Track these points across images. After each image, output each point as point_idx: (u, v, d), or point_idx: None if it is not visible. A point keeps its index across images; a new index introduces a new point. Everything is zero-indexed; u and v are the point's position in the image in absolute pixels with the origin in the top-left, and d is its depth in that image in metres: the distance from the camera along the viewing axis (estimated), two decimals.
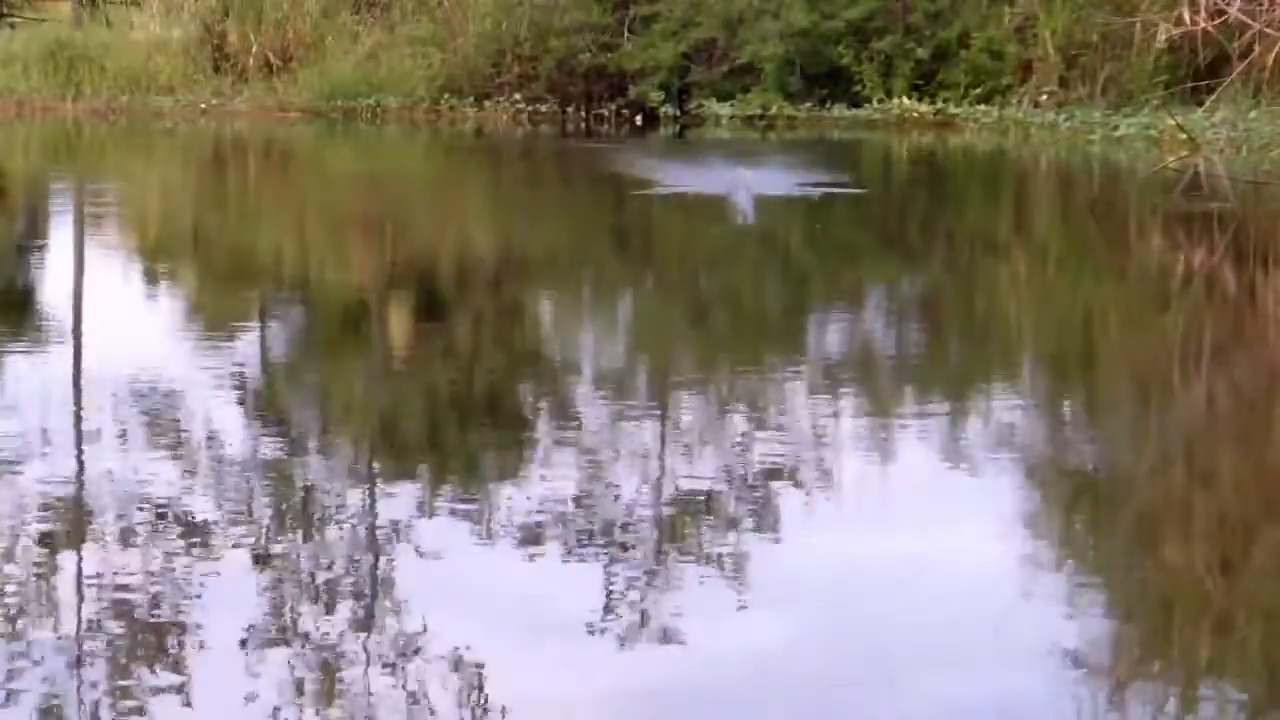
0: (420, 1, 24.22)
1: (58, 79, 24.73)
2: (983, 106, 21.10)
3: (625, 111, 22.85)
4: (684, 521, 5.01)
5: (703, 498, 5.24)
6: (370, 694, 3.74)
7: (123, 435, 6.04)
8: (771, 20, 22.14)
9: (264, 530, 4.89)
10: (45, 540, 4.77)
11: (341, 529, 4.90)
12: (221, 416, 6.33)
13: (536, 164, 19.63)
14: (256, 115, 23.71)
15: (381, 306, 9.42)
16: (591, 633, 4.11)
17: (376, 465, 5.74)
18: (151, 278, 10.90)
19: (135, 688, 3.75)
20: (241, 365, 7.62)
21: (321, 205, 15.15)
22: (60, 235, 13.20)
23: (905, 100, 21.47)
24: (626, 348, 8.41)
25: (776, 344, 8.15)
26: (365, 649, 3.99)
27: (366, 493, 5.31)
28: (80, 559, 4.61)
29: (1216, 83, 18.07)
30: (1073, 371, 7.69)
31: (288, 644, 4.00)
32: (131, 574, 4.47)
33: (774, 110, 22.02)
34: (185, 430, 6.14)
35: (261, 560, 4.61)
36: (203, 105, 24.08)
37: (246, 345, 8.27)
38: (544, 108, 23.02)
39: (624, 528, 4.93)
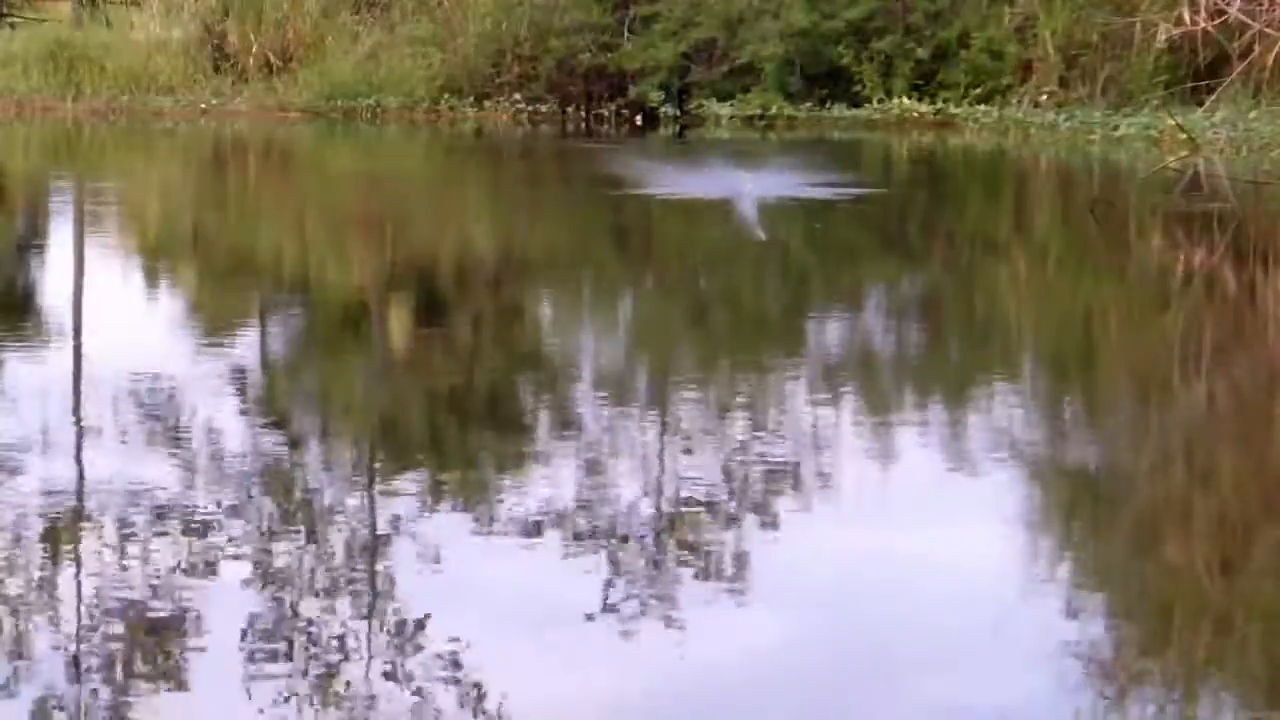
0: (420, 1, 24.21)
1: (58, 79, 24.72)
2: (983, 106, 21.10)
3: (625, 111, 22.84)
4: (684, 521, 5.01)
5: (703, 498, 5.24)
6: (370, 693, 3.74)
7: (122, 435, 6.04)
8: (771, 20, 22.14)
9: (264, 529, 4.88)
10: (45, 540, 4.77)
11: (341, 528, 4.90)
12: (221, 416, 6.32)
13: (534, 165, 19.63)
14: (256, 115, 23.71)
15: (381, 306, 9.42)
16: (591, 632, 4.11)
17: (376, 464, 5.73)
18: (151, 277, 10.90)
19: (135, 687, 3.75)
20: (241, 365, 7.62)
21: (321, 205, 15.15)
22: (60, 235, 13.20)
23: (905, 100, 21.47)
24: (626, 349, 8.40)
25: (778, 344, 8.14)
26: (365, 648, 3.98)
27: (366, 492, 5.31)
28: (79, 558, 4.61)
29: (1216, 83, 18.07)
30: (1073, 371, 7.69)
31: (288, 643, 4.00)
32: (131, 573, 4.47)
33: (774, 110, 22.02)
34: (184, 430, 6.14)
35: (261, 559, 4.60)
36: (203, 105, 24.08)
37: (246, 345, 8.27)
38: (544, 108, 23.02)
39: (624, 528, 4.93)
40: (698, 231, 12.30)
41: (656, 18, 22.64)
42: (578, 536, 4.84)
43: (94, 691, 3.72)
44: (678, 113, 22.62)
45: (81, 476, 5.50)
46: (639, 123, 22.62)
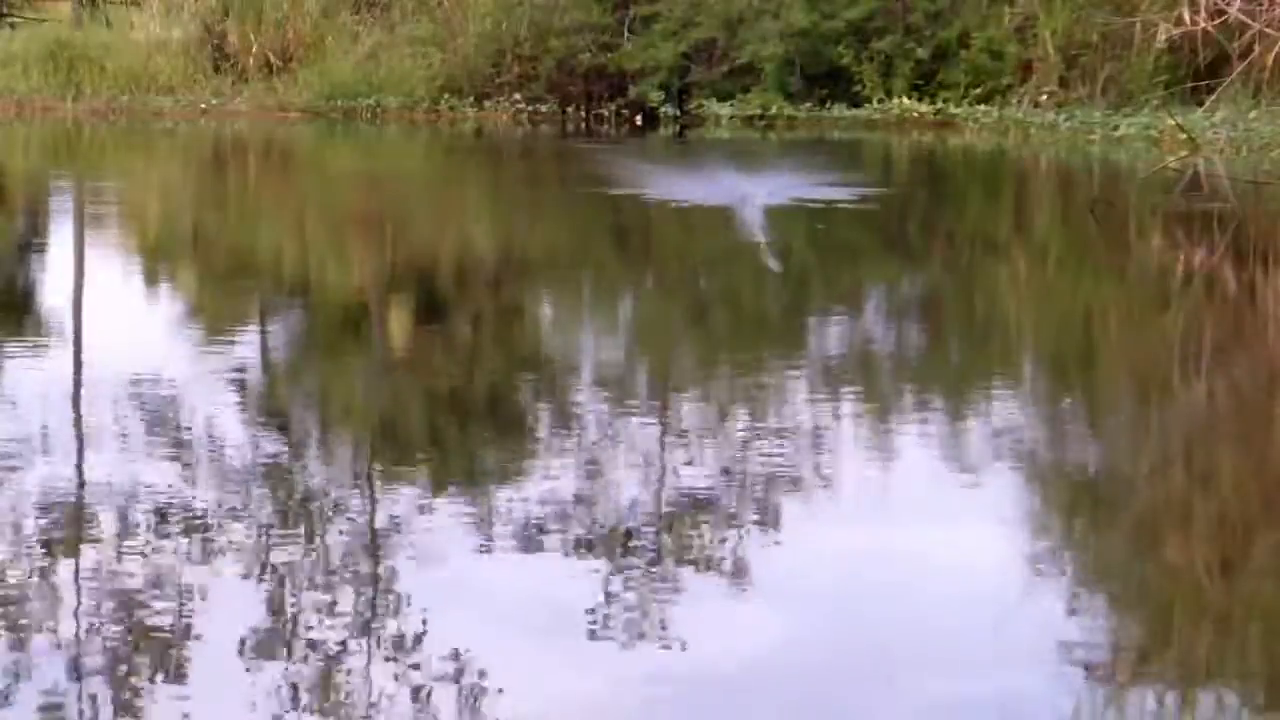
0: (420, 1, 24.21)
1: (58, 79, 24.73)
2: (983, 106, 21.10)
3: (625, 111, 22.85)
4: (684, 522, 5.01)
5: (703, 498, 5.24)
6: (370, 693, 3.74)
7: (122, 435, 6.04)
8: (771, 20, 22.14)
9: (264, 530, 4.88)
10: (45, 539, 4.77)
11: (341, 528, 4.90)
12: (221, 416, 6.33)
13: (532, 166, 19.62)
14: (256, 115, 23.71)
15: (380, 307, 9.42)
16: (591, 632, 4.11)
17: (376, 465, 5.74)
18: (151, 277, 10.90)
19: (135, 687, 3.75)
20: (241, 365, 7.62)
21: (321, 205, 15.15)
22: (60, 235, 13.20)
23: (905, 100, 21.47)
24: (625, 349, 8.40)
25: (780, 344, 8.14)
26: (365, 649, 3.99)
27: (366, 492, 5.31)
28: (79, 558, 4.61)
29: (1216, 83, 18.07)
30: (1073, 372, 7.69)
31: (288, 643, 4.00)
32: (131, 573, 4.47)
33: (774, 110, 22.02)
34: (184, 430, 6.14)
35: (261, 559, 4.60)
36: (203, 105, 24.08)
37: (246, 345, 8.27)
38: (544, 108, 23.02)
39: (624, 528, 4.93)
40: (701, 241, 12.27)
41: (656, 18, 22.64)
42: (577, 536, 4.84)
43: (94, 692, 3.72)
44: (678, 113, 22.62)
45: (81, 477, 5.50)
46: (639, 123, 22.63)
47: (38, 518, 4.98)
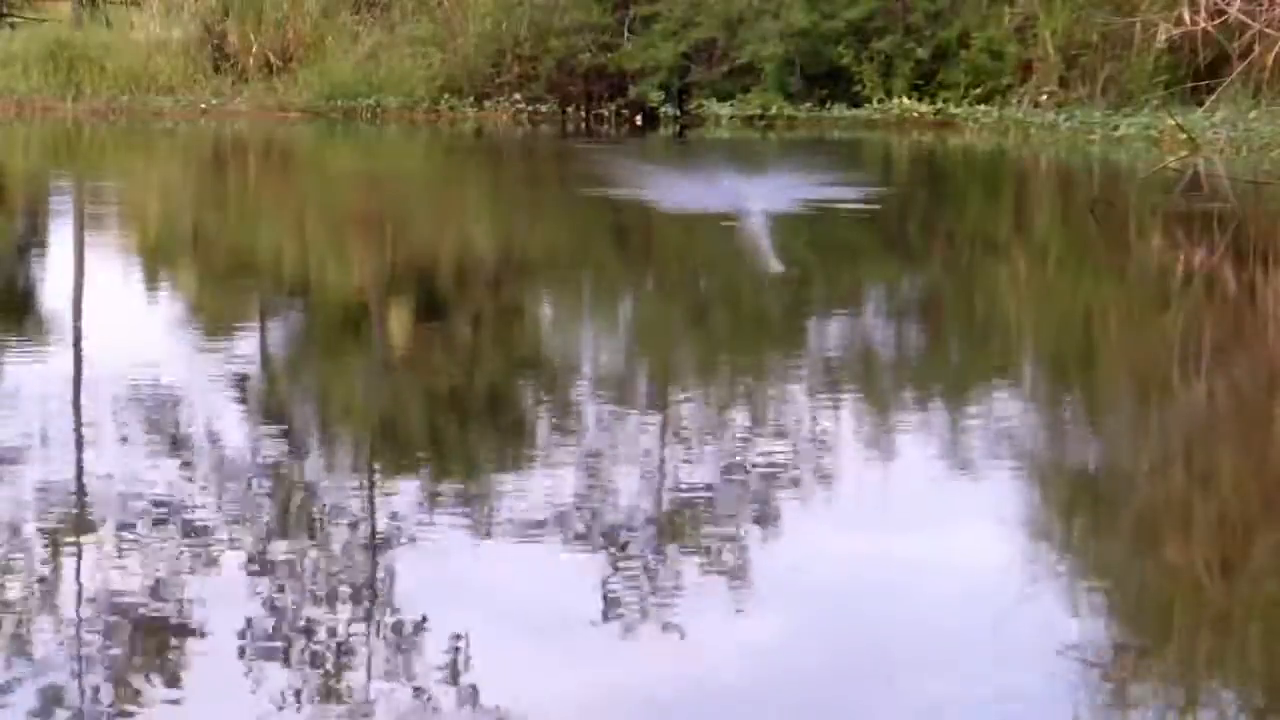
0: (420, 1, 24.22)
1: (58, 79, 24.73)
2: (983, 106, 21.10)
3: (625, 111, 22.85)
4: (684, 521, 5.01)
5: (703, 498, 5.24)
6: (370, 693, 3.74)
7: (122, 435, 6.04)
8: (771, 20, 22.14)
9: (264, 529, 4.88)
10: (45, 539, 4.77)
11: (341, 528, 4.90)
12: (221, 416, 6.33)
13: (530, 167, 19.61)
14: (256, 115, 23.71)
15: (380, 307, 9.42)
16: (591, 632, 4.11)
17: (376, 465, 5.74)
18: (151, 277, 10.90)
19: (135, 687, 3.75)
20: (241, 365, 7.62)
21: (321, 205, 15.15)
22: (60, 235, 13.20)
23: (905, 100, 21.48)
24: (624, 349, 8.40)
25: (781, 344, 8.14)
26: (365, 648, 3.99)
27: (366, 492, 5.31)
28: (79, 558, 4.61)
29: (1216, 83, 18.07)
30: (1073, 371, 7.69)
31: (288, 643, 4.00)
32: (130, 573, 4.47)
33: (774, 110, 22.02)
34: (184, 430, 6.14)
35: (261, 559, 4.61)
36: (203, 105, 24.08)
37: (246, 345, 8.27)
38: (544, 108, 23.02)
39: (624, 528, 4.93)
40: (701, 246, 12.24)
41: (656, 18, 22.64)
42: (577, 536, 4.84)
43: (94, 692, 3.72)
44: (678, 113, 22.62)
45: (81, 477, 5.50)
46: (639, 123, 22.63)
47: (37, 517, 4.98)
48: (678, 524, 4.99)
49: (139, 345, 8.04)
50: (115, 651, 3.95)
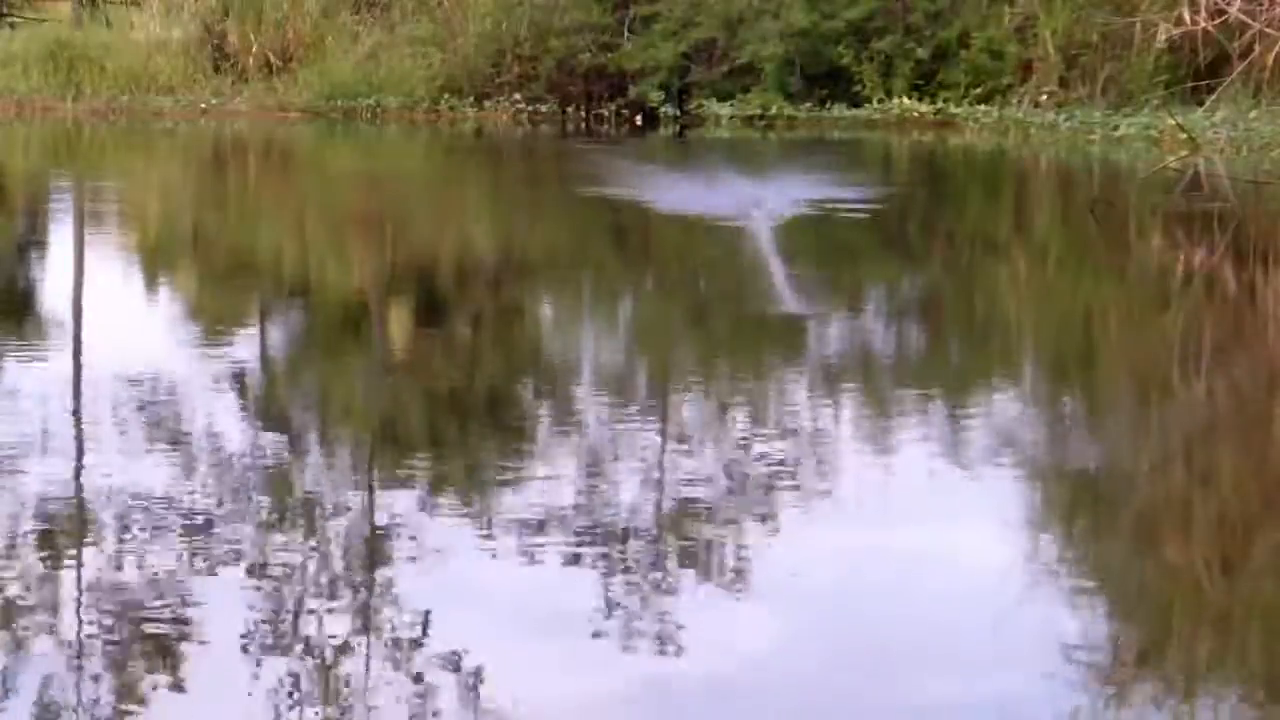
0: (420, 1, 24.21)
1: (58, 79, 24.72)
2: (983, 106, 21.10)
3: (625, 111, 22.85)
4: (684, 521, 5.00)
5: (702, 498, 5.24)
6: (370, 693, 3.74)
7: (122, 435, 6.04)
8: (771, 20, 22.14)
9: (263, 529, 4.88)
10: (45, 539, 4.77)
11: (340, 528, 4.90)
12: (220, 416, 6.33)
13: (532, 166, 19.61)
14: (256, 115, 23.71)
15: (380, 306, 9.42)
16: (590, 632, 4.11)
17: (376, 465, 5.73)
18: (151, 277, 10.90)
19: (134, 687, 3.75)
20: (241, 365, 7.62)
21: (320, 205, 15.15)
22: (60, 235, 13.20)
23: (905, 100, 21.47)
24: (623, 349, 8.40)
25: (781, 344, 8.14)
26: (365, 648, 3.98)
27: (365, 492, 5.31)
28: (79, 558, 4.61)
29: (1216, 83, 18.07)
30: (1073, 371, 7.69)
31: (287, 643, 4.00)
32: (129, 573, 4.47)
33: (774, 110, 22.02)
34: (184, 430, 6.14)
35: (260, 559, 4.60)
36: (203, 105, 24.08)
37: (246, 345, 8.27)
38: (544, 108, 23.02)
39: (623, 527, 4.93)
40: (702, 251, 12.21)
41: (656, 18, 22.64)
42: (577, 536, 4.84)
43: (94, 691, 3.72)
44: (678, 113, 22.62)
45: (80, 477, 5.50)
46: (639, 123, 22.62)
47: (37, 517, 4.98)
48: (678, 523, 4.99)
49: (139, 345, 8.04)
50: (114, 651, 3.94)
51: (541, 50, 22.89)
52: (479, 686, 3.76)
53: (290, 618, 4.17)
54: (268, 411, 6.71)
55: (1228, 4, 17.62)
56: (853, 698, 3.79)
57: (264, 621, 4.14)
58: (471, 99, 23.17)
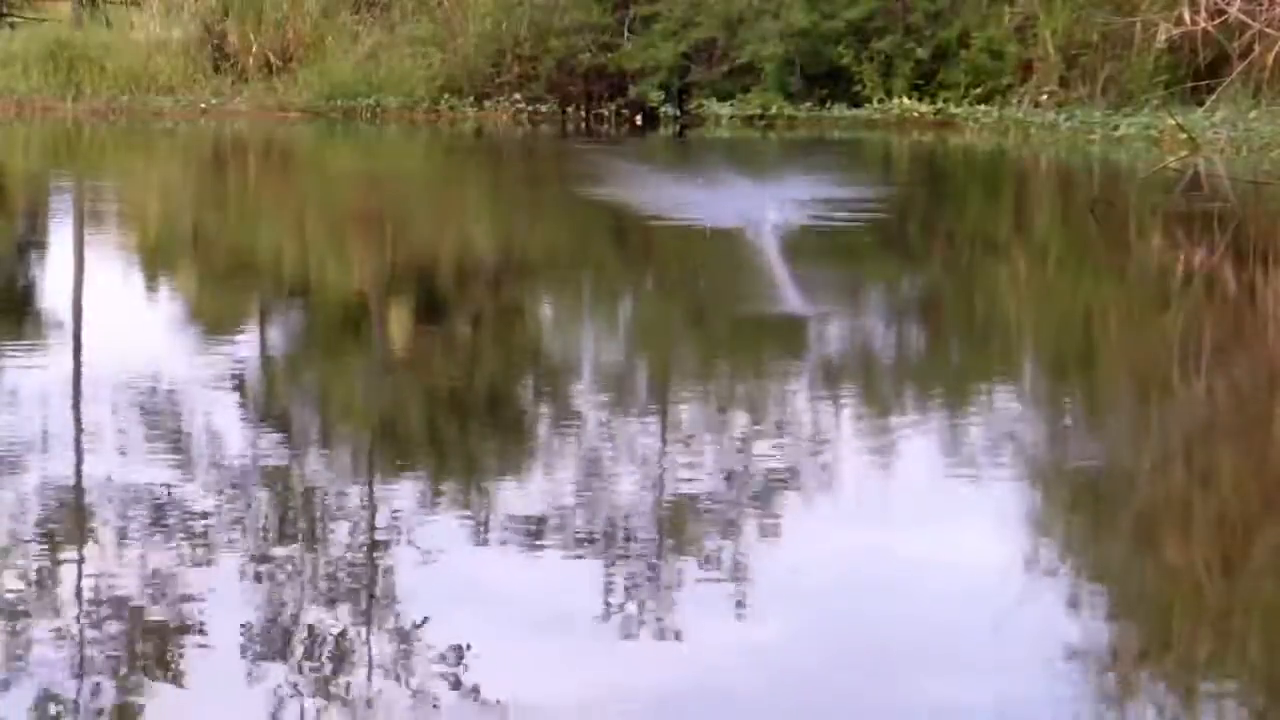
0: (420, 1, 24.21)
1: (58, 79, 24.72)
2: (983, 106, 21.10)
3: (625, 111, 22.84)
4: (685, 521, 5.01)
5: (702, 498, 5.24)
6: (369, 693, 3.74)
7: (122, 435, 6.04)
8: (771, 20, 22.14)
9: (263, 529, 4.88)
10: (45, 539, 4.77)
11: (340, 528, 4.90)
12: (220, 416, 6.33)
13: (531, 166, 19.60)
14: (256, 115, 23.70)
15: (380, 306, 9.42)
16: (591, 632, 4.11)
17: (376, 464, 5.73)
18: (151, 277, 10.90)
19: (134, 687, 3.75)
20: (241, 365, 7.62)
21: (320, 205, 15.15)
22: (60, 235, 13.20)
23: (905, 100, 21.47)
24: (623, 349, 8.40)
25: (780, 344, 8.14)
26: (365, 648, 3.98)
27: (365, 492, 5.31)
28: (80, 558, 4.61)
29: (1216, 83, 18.07)
30: (1073, 371, 7.69)
31: (287, 643, 4.00)
32: (128, 573, 4.47)
33: (774, 110, 22.02)
34: (184, 430, 6.14)
35: (260, 559, 4.60)
36: (203, 105, 24.08)
37: (246, 345, 8.27)
38: (544, 108, 23.02)
39: (623, 528, 4.93)
40: (707, 259, 12.16)
41: (656, 18, 22.64)
42: (577, 536, 4.84)
43: (93, 691, 3.72)
44: (678, 113, 22.62)
45: (81, 477, 5.50)
46: (639, 123, 22.62)
47: (37, 516, 4.98)
48: (678, 523, 4.99)
49: (139, 345, 8.04)
50: (114, 651, 3.94)
51: (541, 50, 22.89)
52: (479, 686, 3.76)
53: (290, 617, 4.17)
54: (267, 411, 6.71)
55: (1228, 4, 17.62)
56: (853, 698, 3.79)
57: (263, 620, 4.14)
58: (471, 99, 23.17)
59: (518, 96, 23.04)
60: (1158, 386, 7.30)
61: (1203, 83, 18.42)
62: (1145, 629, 4.29)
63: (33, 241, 12.54)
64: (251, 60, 24.36)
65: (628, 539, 4.83)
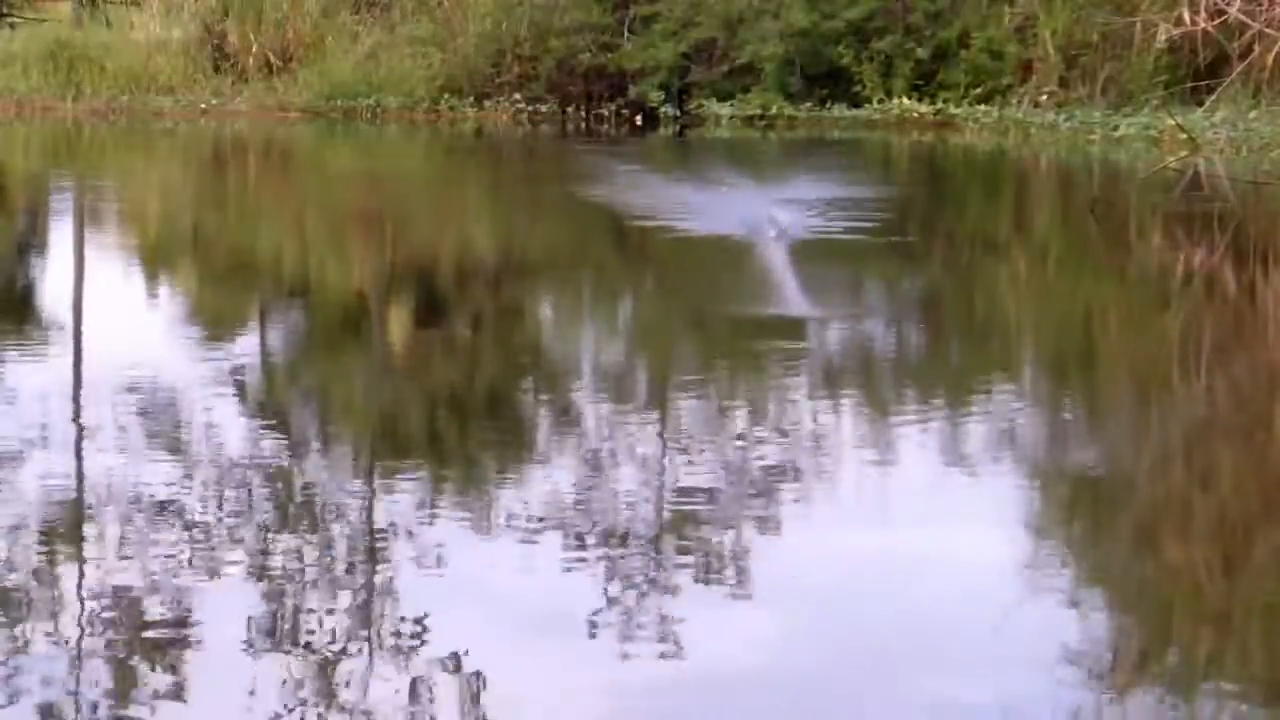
0: (420, 1, 24.21)
1: (58, 79, 24.72)
2: (983, 106, 21.10)
3: (625, 111, 22.84)
4: (685, 521, 5.00)
5: (702, 498, 5.24)
6: (369, 693, 3.74)
7: (121, 433, 6.04)
8: (771, 20, 22.14)
9: (262, 529, 4.88)
10: (45, 539, 4.77)
11: (340, 527, 4.90)
12: (220, 416, 6.33)
13: (530, 167, 19.60)
14: (256, 115, 23.70)
15: (380, 306, 9.42)
16: (590, 632, 4.11)
17: (375, 464, 5.74)
18: (151, 277, 10.90)
19: (133, 687, 3.75)
20: (240, 365, 7.62)
21: (320, 205, 15.15)
22: (60, 235, 13.20)
23: (905, 100, 21.47)
24: (623, 350, 8.40)
25: (779, 343, 8.14)
26: (365, 648, 3.98)
27: (365, 492, 5.31)
28: (80, 558, 4.61)
29: (1216, 83, 18.07)
30: (1074, 372, 7.69)
31: (287, 642, 4.00)
32: (128, 573, 4.47)
33: (774, 110, 22.02)
34: (184, 430, 6.14)
35: (259, 559, 4.60)
36: (203, 105, 24.08)
37: (246, 345, 8.27)
38: (544, 108, 23.02)
39: (623, 528, 4.93)
40: (707, 258, 12.13)
41: (656, 18, 22.64)
42: (577, 536, 4.84)
43: (93, 691, 3.72)
44: (678, 113, 22.62)
45: (80, 476, 5.50)
46: (639, 123, 22.62)
47: (36, 516, 4.98)
48: (678, 523, 4.99)
49: (139, 344, 8.04)
50: (113, 650, 3.94)
51: (541, 50, 22.89)
52: (478, 686, 3.76)
53: (289, 616, 4.17)
54: (267, 410, 6.71)
55: (1228, 4, 17.61)
56: (853, 698, 3.79)
57: (262, 620, 4.13)
58: (471, 99, 23.17)
59: (518, 96, 23.04)
60: (1157, 387, 7.30)
61: (1203, 83, 18.41)
62: (1146, 629, 4.29)
63: (33, 241, 12.54)
64: (251, 60, 24.36)
65: (627, 539, 4.83)
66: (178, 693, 3.75)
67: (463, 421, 6.52)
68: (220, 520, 4.95)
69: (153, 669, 3.85)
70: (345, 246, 12.18)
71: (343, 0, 24.71)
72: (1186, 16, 17.90)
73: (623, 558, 4.66)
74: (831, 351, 7.97)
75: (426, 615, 4.16)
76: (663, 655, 3.99)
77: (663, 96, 22.51)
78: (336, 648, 3.98)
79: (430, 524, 4.95)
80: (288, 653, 3.94)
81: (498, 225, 13.43)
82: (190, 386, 6.89)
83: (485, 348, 8.24)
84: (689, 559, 4.66)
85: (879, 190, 15.06)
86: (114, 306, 9.48)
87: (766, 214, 11.31)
